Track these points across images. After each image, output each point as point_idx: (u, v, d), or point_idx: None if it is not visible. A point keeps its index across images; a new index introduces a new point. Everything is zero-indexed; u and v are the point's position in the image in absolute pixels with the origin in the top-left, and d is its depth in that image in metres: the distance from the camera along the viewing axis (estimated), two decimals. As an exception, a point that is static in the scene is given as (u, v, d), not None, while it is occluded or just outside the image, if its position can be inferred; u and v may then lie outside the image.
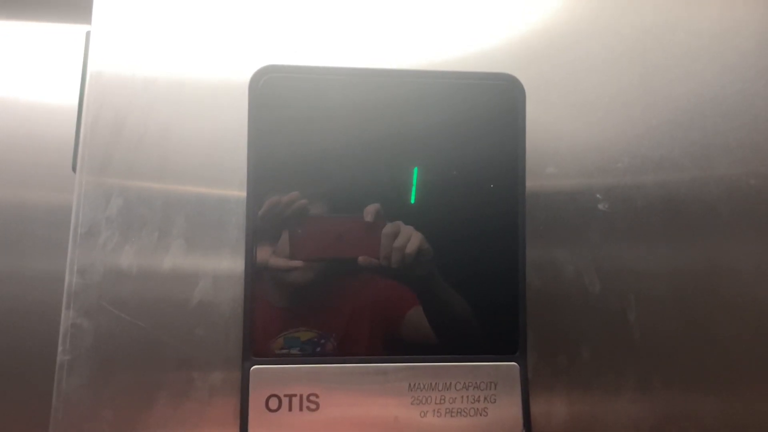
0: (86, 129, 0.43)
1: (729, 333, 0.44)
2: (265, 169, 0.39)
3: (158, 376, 0.40)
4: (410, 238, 0.39)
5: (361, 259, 0.39)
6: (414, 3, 0.46)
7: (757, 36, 0.50)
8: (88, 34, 0.45)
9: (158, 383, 0.40)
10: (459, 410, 0.39)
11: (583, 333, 0.43)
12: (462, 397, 0.39)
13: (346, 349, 0.39)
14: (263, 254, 0.39)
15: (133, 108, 0.43)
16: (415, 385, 0.39)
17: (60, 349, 0.39)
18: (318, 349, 0.39)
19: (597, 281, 0.44)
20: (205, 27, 0.44)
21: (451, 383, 0.39)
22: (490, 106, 0.40)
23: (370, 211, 0.39)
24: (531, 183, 0.44)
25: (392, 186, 0.40)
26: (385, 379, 0.39)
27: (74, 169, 0.43)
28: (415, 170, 0.40)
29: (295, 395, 0.38)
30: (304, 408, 0.38)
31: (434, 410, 0.39)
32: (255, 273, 0.39)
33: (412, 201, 0.40)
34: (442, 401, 0.39)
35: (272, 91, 0.39)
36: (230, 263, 0.41)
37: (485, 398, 0.39)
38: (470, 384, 0.39)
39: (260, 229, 0.39)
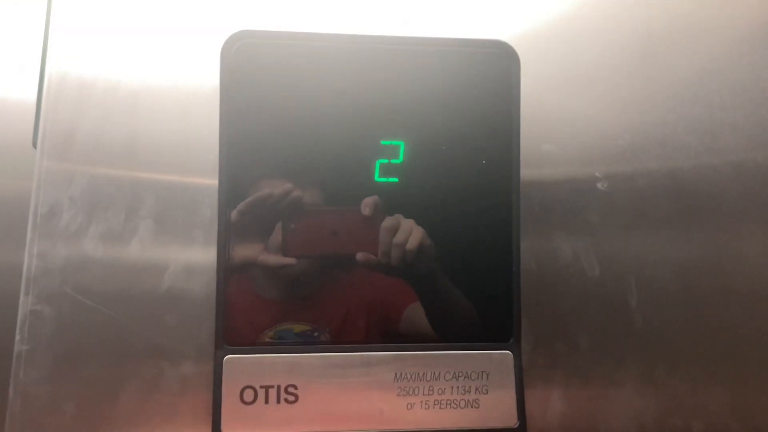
0: (48, 103, 0.40)
1: (735, 319, 0.42)
2: (239, 145, 0.36)
3: (125, 366, 0.37)
4: (411, 234, 0.36)
5: (359, 256, 0.36)
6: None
7: (766, 5, 0.47)
8: (49, 2, 0.42)
9: (125, 375, 0.37)
10: (449, 402, 0.36)
11: (581, 319, 0.41)
12: (452, 387, 0.36)
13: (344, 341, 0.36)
14: (249, 245, 0.36)
15: (99, 77, 0.40)
16: (401, 375, 0.36)
17: (17, 338, 0.36)
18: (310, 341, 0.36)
19: (596, 265, 0.41)
20: (177, -7, 0.41)
21: (440, 373, 0.36)
22: (483, 75, 0.37)
23: (368, 204, 0.36)
24: (526, 161, 0.42)
25: (375, 163, 0.37)
26: (369, 370, 0.36)
27: (35, 144, 0.40)
28: (402, 145, 0.37)
29: (272, 387, 0.35)
30: (282, 400, 0.35)
31: (422, 402, 0.36)
32: (228, 257, 0.36)
33: (396, 180, 0.37)
34: (431, 392, 0.36)
35: (247, 59, 0.36)
36: (203, 246, 0.39)
37: (477, 389, 0.36)
38: (460, 374, 0.36)
39: (234, 203, 0.36)
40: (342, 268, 0.37)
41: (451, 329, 0.37)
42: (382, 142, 0.37)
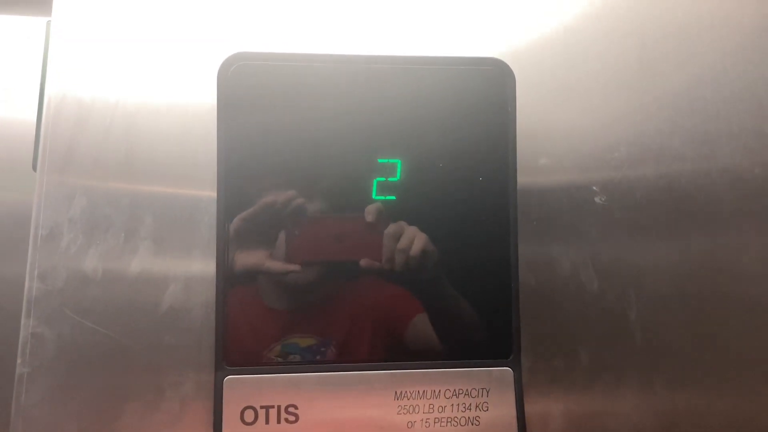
0: (47, 123, 0.40)
1: (735, 331, 0.42)
2: (236, 165, 0.36)
3: (126, 388, 0.37)
4: (414, 240, 0.37)
5: (362, 261, 0.36)
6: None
7: (762, 16, 0.47)
8: (48, 23, 0.42)
9: (125, 396, 0.37)
10: (449, 419, 0.36)
11: (581, 334, 0.41)
12: (452, 405, 0.36)
13: (346, 357, 0.36)
14: (251, 256, 0.36)
15: (97, 101, 0.40)
16: (401, 393, 0.36)
17: (19, 360, 0.37)
18: (318, 356, 0.36)
19: (595, 278, 0.41)
20: (174, 15, 0.42)
21: (440, 390, 0.36)
22: (478, 93, 0.38)
23: (371, 211, 0.37)
24: (523, 175, 0.42)
25: (373, 181, 0.37)
26: (370, 388, 0.36)
27: (35, 167, 0.40)
28: (399, 163, 0.37)
29: (272, 407, 0.35)
30: (282, 420, 0.35)
31: (422, 420, 0.36)
32: (227, 276, 0.36)
33: (394, 197, 0.37)
34: (431, 410, 0.36)
35: (243, 80, 0.36)
36: (202, 265, 0.39)
37: (477, 406, 0.36)
38: (461, 391, 0.36)
39: (233, 228, 0.36)
40: (347, 278, 0.37)
41: (456, 341, 0.37)
42: (379, 160, 0.37)
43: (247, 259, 0.36)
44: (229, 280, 0.36)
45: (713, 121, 0.45)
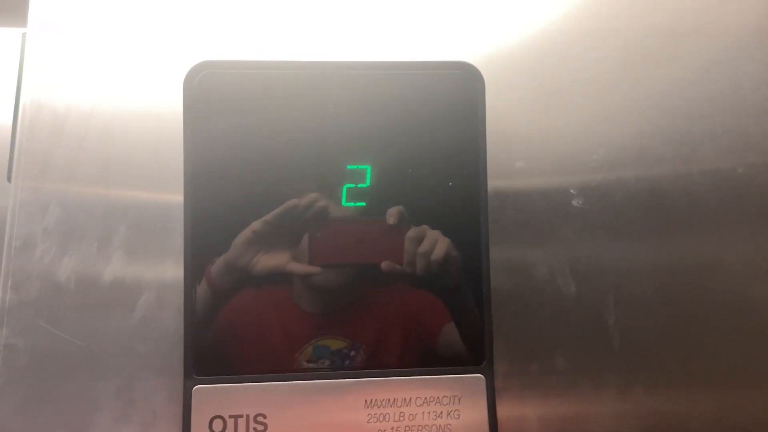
0: (22, 133, 0.40)
1: (717, 337, 0.41)
2: (203, 173, 0.36)
3: (98, 398, 0.37)
4: (436, 244, 0.36)
5: (384, 264, 0.36)
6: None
7: (745, 16, 0.46)
8: (23, 36, 0.43)
9: (98, 406, 0.37)
10: (419, 427, 0.36)
11: (557, 339, 0.40)
12: (423, 413, 0.36)
13: (377, 362, 0.36)
14: (275, 255, 0.36)
15: (72, 110, 0.41)
16: (371, 401, 0.36)
17: (-8, 371, 0.37)
18: (347, 361, 0.36)
19: (572, 283, 0.41)
20: (146, 24, 0.42)
21: (410, 398, 0.36)
22: (447, 97, 0.37)
23: (392, 214, 0.36)
24: (499, 179, 0.42)
25: (342, 188, 0.37)
26: (339, 396, 0.36)
27: (9, 178, 0.41)
28: (368, 169, 0.37)
29: (240, 416, 0.35)
30: (251, 429, 0.35)
31: (393, 428, 0.36)
32: (194, 283, 0.36)
33: (364, 204, 0.37)
34: (401, 418, 0.36)
35: (209, 89, 0.36)
36: (175, 272, 0.39)
37: (448, 414, 0.36)
38: (431, 399, 0.36)
39: (200, 233, 0.36)
40: (370, 282, 0.37)
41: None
42: (349, 166, 0.37)
43: (273, 253, 0.36)
44: (195, 286, 0.36)
45: (696, 121, 0.44)
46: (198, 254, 0.36)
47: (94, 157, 0.40)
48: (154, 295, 0.39)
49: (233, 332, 0.36)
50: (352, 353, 0.36)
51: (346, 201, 0.37)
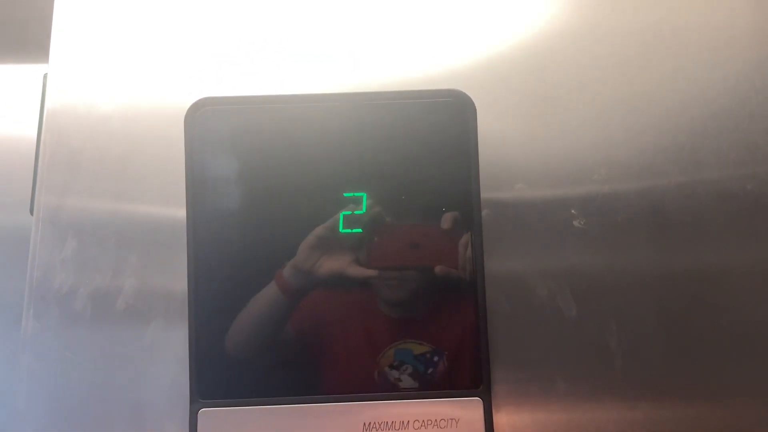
0: (42, 168, 0.43)
1: (722, 358, 0.40)
2: (205, 211, 0.38)
3: (112, 423, 0.39)
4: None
5: (438, 269, 0.37)
6: (355, 23, 0.45)
7: (751, 25, 0.45)
8: (45, 76, 0.45)
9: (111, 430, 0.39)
10: (418, 450, 0.36)
11: (558, 362, 0.40)
12: (421, 436, 0.36)
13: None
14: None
15: (87, 145, 0.43)
16: (370, 424, 0.37)
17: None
18: (430, 369, 0.37)
19: (573, 305, 0.41)
20: (156, 63, 0.44)
21: (408, 422, 0.37)
22: (439, 124, 0.38)
23: (447, 219, 0.37)
24: (499, 200, 0.42)
25: (339, 215, 0.38)
26: (339, 420, 0.37)
27: (32, 211, 0.43)
28: (364, 196, 0.38)
29: (244, 439, 0.36)
30: (254, 452, 0.36)
31: (391, 451, 0.36)
32: (200, 307, 0.37)
33: (360, 230, 0.38)
34: (400, 441, 0.36)
35: (209, 125, 0.38)
36: (183, 298, 0.40)
37: (446, 437, 0.36)
38: (429, 422, 0.36)
39: (203, 263, 0.38)
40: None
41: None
42: (345, 194, 0.38)
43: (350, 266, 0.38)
44: (201, 310, 0.37)
45: (700, 138, 0.44)
46: (201, 282, 0.37)
47: (107, 191, 0.42)
48: (162, 321, 0.40)
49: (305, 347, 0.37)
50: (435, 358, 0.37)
51: (343, 228, 0.38)
